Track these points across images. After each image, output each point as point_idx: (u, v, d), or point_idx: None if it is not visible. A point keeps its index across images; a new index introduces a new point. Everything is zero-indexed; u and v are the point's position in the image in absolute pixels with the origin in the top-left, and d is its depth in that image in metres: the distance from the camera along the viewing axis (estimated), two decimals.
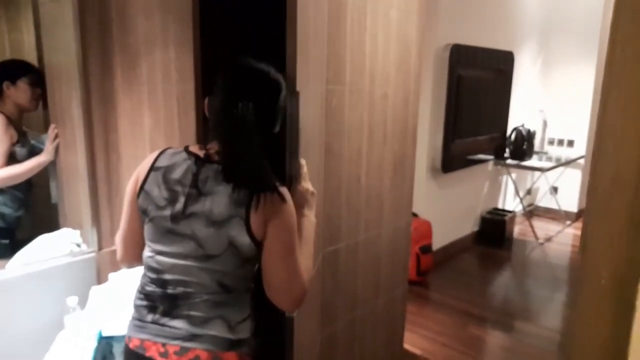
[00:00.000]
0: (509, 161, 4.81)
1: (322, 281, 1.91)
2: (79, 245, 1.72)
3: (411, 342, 2.91)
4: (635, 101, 0.58)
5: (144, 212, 1.19)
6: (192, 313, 1.15)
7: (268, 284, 1.15)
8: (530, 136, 4.83)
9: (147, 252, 1.21)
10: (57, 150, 1.81)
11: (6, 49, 1.96)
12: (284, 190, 1.15)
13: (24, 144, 1.89)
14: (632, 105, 0.59)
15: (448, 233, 4.37)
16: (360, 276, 2.17)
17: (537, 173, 5.25)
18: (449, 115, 3.91)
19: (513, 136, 4.83)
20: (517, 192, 5.16)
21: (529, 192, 5.66)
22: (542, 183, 5.66)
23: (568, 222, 5.46)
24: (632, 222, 0.59)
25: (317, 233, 1.46)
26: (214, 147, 1.19)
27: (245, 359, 1.19)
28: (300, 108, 1.38)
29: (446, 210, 4.27)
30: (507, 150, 4.87)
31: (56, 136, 1.80)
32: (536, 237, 4.92)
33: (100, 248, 1.70)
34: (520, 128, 4.82)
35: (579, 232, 4.63)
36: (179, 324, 1.15)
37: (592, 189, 0.68)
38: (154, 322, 1.16)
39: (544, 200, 5.74)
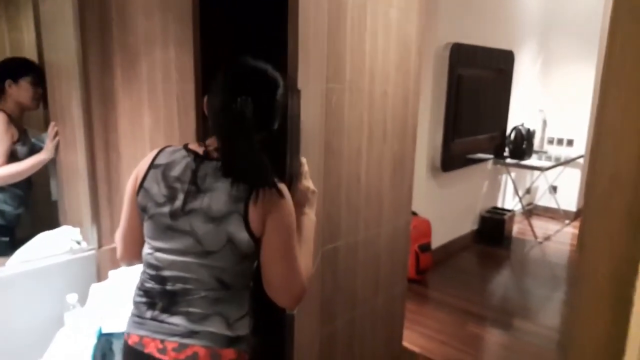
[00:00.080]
0: (509, 160, 4.82)
1: (321, 279, 1.91)
2: (79, 243, 1.72)
3: (410, 340, 2.92)
4: (635, 99, 0.59)
5: (143, 210, 1.20)
6: (191, 309, 1.15)
7: (267, 281, 1.16)
8: (529, 135, 4.83)
9: (146, 249, 1.21)
10: (57, 148, 1.81)
11: (6, 47, 1.96)
12: (282, 186, 1.16)
13: (25, 143, 1.89)
14: (631, 103, 0.59)
15: (447, 232, 4.37)
16: (360, 274, 2.17)
17: (537, 172, 5.26)
18: (448, 114, 3.92)
19: (513, 135, 4.84)
20: (516, 191, 5.17)
21: (528, 191, 5.67)
22: (542, 182, 5.66)
23: (567, 221, 5.47)
24: (630, 220, 0.59)
25: (317, 231, 1.46)
26: (212, 143, 1.19)
27: (243, 356, 1.19)
28: (300, 106, 1.38)
29: (445, 209, 4.28)
30: (507, 149, 4.87)
31: (56, 134, 1.80)
32: (535, 236, 4.92)
33: (100, 246, 1.70)
34: (520, 127, 4.82)
35: (577, 231, 4.64)
36: (177, 320, 1.15)
37: (591, 187, 0.69)
38: (152, 319, 1.17)
39: (543, 199, 5.75)
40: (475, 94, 4.22)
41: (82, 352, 1.41)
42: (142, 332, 1.16)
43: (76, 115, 1.61)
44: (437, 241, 4.09)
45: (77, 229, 1.74)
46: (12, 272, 1.53)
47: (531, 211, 5.68)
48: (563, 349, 2.72)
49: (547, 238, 4.98)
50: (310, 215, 1.33)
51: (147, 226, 1.20)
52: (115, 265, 1.60)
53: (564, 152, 5.40)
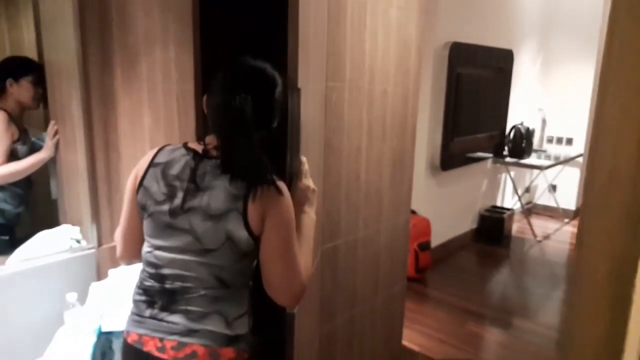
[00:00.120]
0: (508, 159, 4.82)
1: (321, 278, 1.91)
2: (78, 242, 1.72)
3: (410, 339, 2.92)
4: (633, 97, 0.59)
5: (143, 208, 1.20)
6: (190, 308, 1.15)
7: (266, 280, 1.16)
8: (529, 134, 4.84)
9: (145, 248, 1.22)
10: (57, 146, 1.81)
11: (6, 46, 1.96)
12: (281, 184, 1.16)
13: (25, 142, 1.89)
14: (630, 101, 0.59)
15: (447, 230, 4.37)
16: (360, 273, 2.17)
17: (536, 171, 5.26)
18: (448, 113, 3.92)
19: (512, 134, 4.84)
20: (515, 190, 5.17)
21: (527, 190, 5.67)
22: (541, 181, 5.67)
23: (566, 220, 5.47)
24: (629, 217, 0.59)
25: (317, 230, 1.46)
26: (212, 142, 1.20)
27: (242, 355, 1.19)
28: (300, 105, 1.39)
29: (445, 207, 4.28)
30: (506, 148, 4.88)
31: (56, 132, 1.80)
32: (534, 235, 4.93)
33: (100, 244, 1.71)
34: (520, 126, 4.83)
35: (577, 230, 4.64)
36: (176, 319, 1.15)
37: (590, 184, 0.69)
38: (152, 317, 1.17)
39: (543, 198, 5.75)
40: (474, 93, 4.22)
41: (81, 351, 1.41)
42: (141, 331, 1.17)
43: (76, 114, 1.61)
44: (436, 240, 4.09)
45: (77, 228, 1.74)
46: (11, 270, 1.53)
47: (530, 210, 5.68)
48: (562, 348, 2.72)
49: (547, 237, 4.99)
50: (311, 214, 1.33)
51: (146, 224, 1.20)
52: (115, 264, 1.61)
53: (563, 151, 5.40)
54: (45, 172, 1.88)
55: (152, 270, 1.19)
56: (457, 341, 2.97)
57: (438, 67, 3.82)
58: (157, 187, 1.18)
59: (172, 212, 1.15)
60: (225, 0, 1.74)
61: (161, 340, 1.14)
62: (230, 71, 1.20)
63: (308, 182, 1.37)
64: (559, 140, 5.54)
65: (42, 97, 1.88)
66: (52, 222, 1.79)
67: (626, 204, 0.60)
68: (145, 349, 1.14)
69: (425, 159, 3.93)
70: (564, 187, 5.56)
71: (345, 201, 2.02)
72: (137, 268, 1.27)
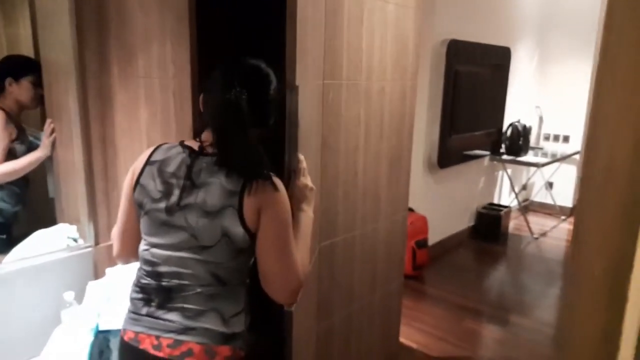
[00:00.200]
0: (505, 156, 4.82)
1: (318, 275, 1.92)
2: (75, 240, 1.72)
3: (407, 336, 2.93)
4: (629, 93, 0.59)
5: (139, 206, 1.20)
6: (186, 305, 1.15)
7: (263, 276, 1.16)
8: (526, 132, 4.84)
9: (142, 246, 1.22)
10: (53, 145, 1.80)
11: (3, 43, 1.95)
12: (277, 180, 1.16)
13: (23, 141, 1.88)
14: (626, 97, 0.59)
15: (444, 228, 4.38)
16: (357, 270, 2.18)
17: (533, 168, 5.27)
18: (445, 110, 3.92)
19: (509, 132, 4.84)
20: (512, 188, 5.18)
21: (524, 187, 5.68)
22: (538, 178, 5.67)
23: (563, 217, 5.49)
24: (625, 215, 0.59)
25: (314, 227, 1.46)
26: (208, 139, 1.20)
27: (239, 353, 1.19)
28: (298, 103, 1.39)
29: (442, 205, 4.28)
30: (503, 145, 4.88)
31: (52, 131, 1.79)
32: (531, 232, 4.94)
33: (97, 243, 1.70)
34: (516, 123, 4.83)
35: (572, 228, 4.65)
36: (173, 316, 1.15)
37: (586, 181, 0.69)
38: (148, 315, 1.17)
39: (539, 195, 5.77)
40: (472, 90, 4.22)
41: (79, 350, 1.41)
42: (138, 328, 1.17)
43: (72, 111, 1.61)
44: (433, 237, 4.10)
45: (74, 227, 1.74)
46: (9, 269, 1.53)
47: (527, 207, 5.70)
48: (559, 344, 2.74)
49: (543, 234, 5.00)
50: (308, 212, 1.33)
51: (143, 222, 1.20)
52: (112, 262, 1.60)
53: (560, 148, 5.41)
54: (42, 170, 1.88)
55: (148, 268, 1.19)
56: (454, 338, 2.98)
57: (435, 64, 3.82)
58: (153, 185, 1.18)
59: (169, 210, 1.16)
60: None
61: (157, 338, 1.14)
62: (226, 68, 1.21)
63: (306, 180, 1.37)
64: (556, 138, 5.55)
65: (41, 98, 1.87)
66: (49, 220, 1.79)
67: (622, 202, 0.60)
68: (142, 346, 1.15)
69: (423, 157, 3.94)
70: (561, 185, 5.58)
71: (343, 199, 2.02)
72: (135, 267, 1.27)
